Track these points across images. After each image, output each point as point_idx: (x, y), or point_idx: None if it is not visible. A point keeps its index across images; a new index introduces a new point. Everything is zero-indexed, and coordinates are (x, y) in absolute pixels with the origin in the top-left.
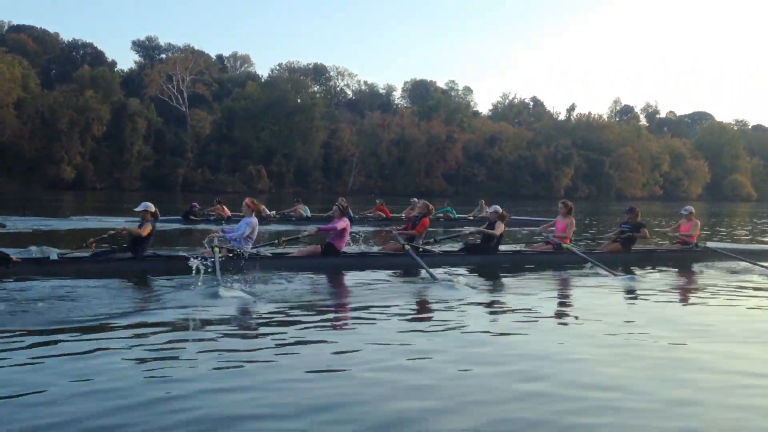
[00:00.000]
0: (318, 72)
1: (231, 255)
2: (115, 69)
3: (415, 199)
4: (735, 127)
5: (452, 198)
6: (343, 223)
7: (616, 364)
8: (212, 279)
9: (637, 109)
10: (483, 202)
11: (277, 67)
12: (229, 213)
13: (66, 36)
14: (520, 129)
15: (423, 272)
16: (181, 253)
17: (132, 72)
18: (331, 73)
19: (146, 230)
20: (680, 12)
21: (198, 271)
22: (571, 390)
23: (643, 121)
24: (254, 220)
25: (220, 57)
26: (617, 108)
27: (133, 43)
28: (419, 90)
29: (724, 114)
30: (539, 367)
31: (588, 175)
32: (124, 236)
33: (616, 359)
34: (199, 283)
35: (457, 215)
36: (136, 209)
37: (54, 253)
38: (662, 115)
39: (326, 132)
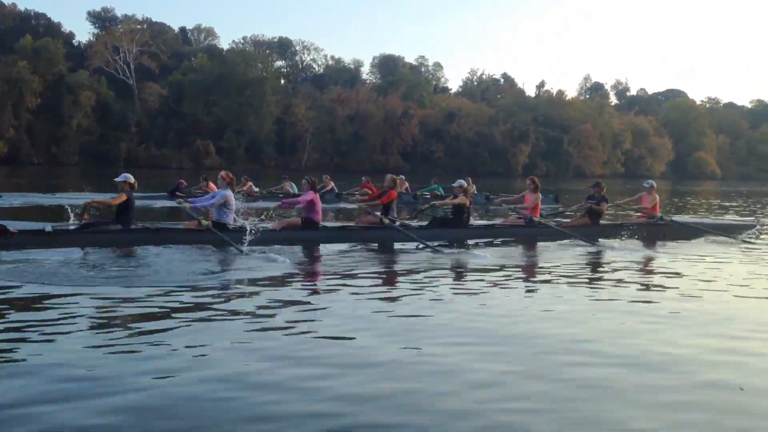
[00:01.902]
0: (283, 46)
1: (215, 227)
2: (73, 41)
3: (402, 176)
4: (707, 105)
5: (409, 175)
6: (309, 195)
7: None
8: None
9: (607, 86)
10: (470, 179)
11: (241, 41)
12: (216, 189)
13: (26, 6)
14: (481, 105)
15: (410, 242)
16: (168, 225)
17: (86, 44)
18: (297, 48)
19: (118, 199)
20: (680, 10)
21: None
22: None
23: (613, 98)
24: (228, 192)
25: (183, 29)
26: (587, 85)
27: (88, 14)
28: (387, 65)
29: (698, 93)
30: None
31: (546, 152)
32: (96, 207)
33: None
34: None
35: (444, 193)
36: (116, 179)
37: (48, 226)
38: (633, 92)
39: (279, 107)
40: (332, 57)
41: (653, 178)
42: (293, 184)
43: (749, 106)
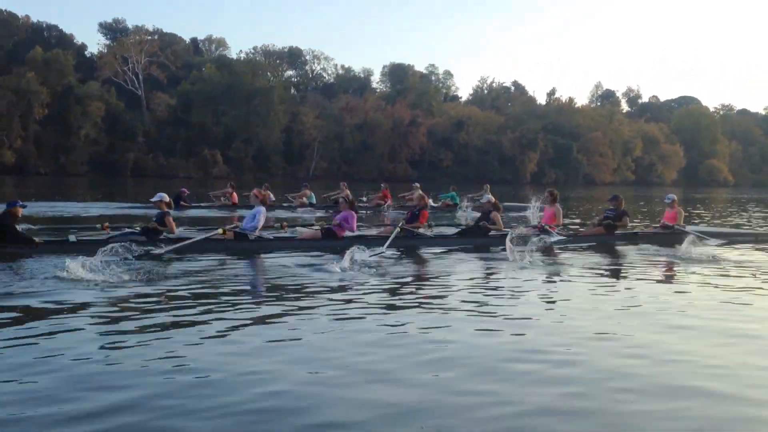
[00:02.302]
0: (293, 55)
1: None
2: (85, 52)
3: (417, 184)
4: (720, 112)
5: (417, 183)
6: (351, 216)
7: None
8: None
9: (619, 94)
10: (488, 186)
11: (251, 51)
12: (236, 200)
13: (39, 18)
14: (490, 113)
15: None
16: (191, 236)
17: (96, 55)
18: (307, 57)
19: (172, 224)
20: (681, 11)
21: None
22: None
23: (624, 105)
24: (263, 208)
25: (194, 40)
26: (598, 92)
27: (100, 25)
28: (397, 74)
29: (711, 99)
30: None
31: (555, 160)
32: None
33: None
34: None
35: (458, 202)
36: (152, 200)
37: (73, 236)
38: (645, 99)
39: (287, 116)
40: (342, 66)
41: (664, 186)
42: (312, 194)
43: (763, 112)
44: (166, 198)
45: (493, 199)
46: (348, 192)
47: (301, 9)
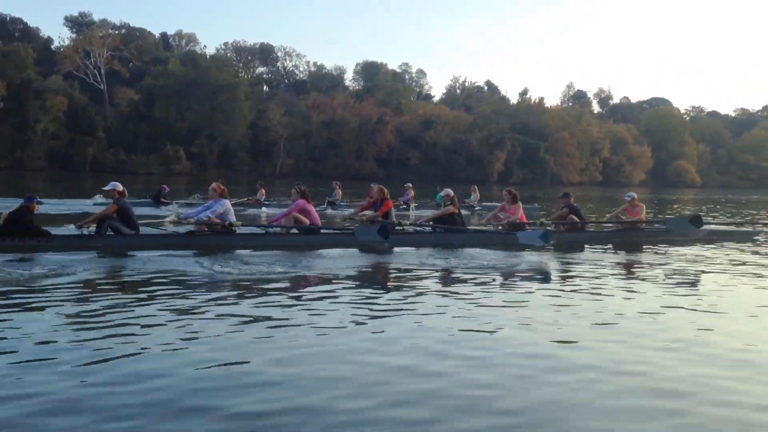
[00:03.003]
0: (265, 52)
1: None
2: (52, 46)
3: (409, 184)
4: (691, 113)
5: (384, 182)
6: (299, 205)
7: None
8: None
9: (590, 95)
10: (475, 187)
11: (222, 46)
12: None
13: (4, 11)
14: (460, 112)
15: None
16: (170, 229)
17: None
18: (278, 54)
19: (110, 210)
20: (680, 11)
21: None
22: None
23: (595, 106)
24: (225, 200)
25: (164, 35)
26: (570, 93)
27: (66, 18)
28: (370, 72)
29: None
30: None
31: (523, 160)
32: (91, 223)
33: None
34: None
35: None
36: (104, 188)
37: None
38: (616, 100)
39: (254, 113)
40: (315, 63)
41: (632, 187)
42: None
43: (733, 114)
44: (119, 187)
45: (451, 194)
46: (340, 192)
47: (275, 5)
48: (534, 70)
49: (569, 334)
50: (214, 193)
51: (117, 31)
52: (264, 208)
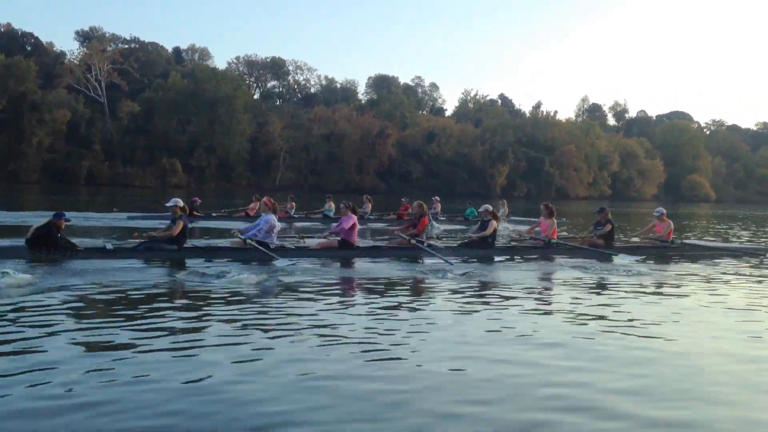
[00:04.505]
0: (276, 66)
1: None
2: (65, 60)
3: (436, 197)
4: (712, 127)
5: (386, 195)
6: (350, 220)
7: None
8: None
9: (605, 108)
10: (505, 201)
11: (234, 60)
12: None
13: (17, 25)
14: (467, 125)
15: (435, 260)
16: (218, 244)
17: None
18: (290, 67)
19: (177, 229)
20: (690, 18)
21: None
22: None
23: (611, 120)
24: (272, 216)
25: (176, 49)
26: (585, 106)
27: (76, 33)
28: (382, 85)
29: (702, 114)
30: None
31: (527, 173)
32: (154, 238)
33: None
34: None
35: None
36: (166, 204)
37: (109, 244)
38: (633, 114)
39: (253, 125)
40: (326, 77)
41: (642, 201)
42: (333, 204)
43: (754, 128)
44: (180, 203)
45: (491, 209)
46: (370, 205)
47: (288, 20)
48: (551, 84)
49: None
50: (265, 208)
51: (127, 46)
52: (297, 223)
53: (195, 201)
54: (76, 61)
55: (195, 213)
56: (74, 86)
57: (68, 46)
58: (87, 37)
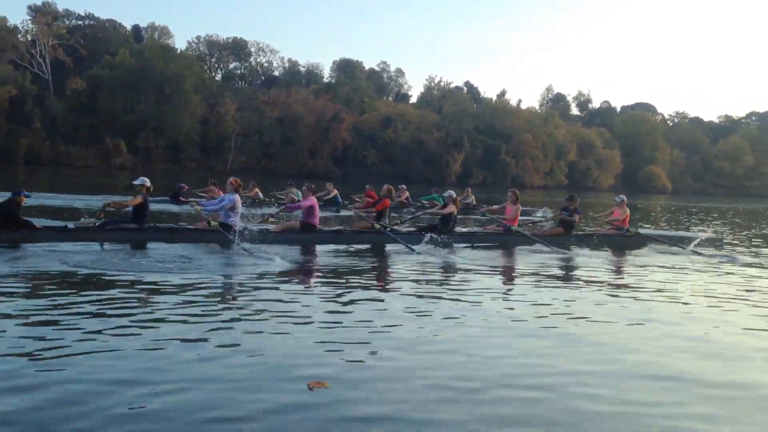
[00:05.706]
0: (238, 47)
1: (222, 227)
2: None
3: (404, 186)
4: (674, 119)
5: (342, 181)
6: (309, 201)
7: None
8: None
9: (569, 98)
10: (469, 190)
11: (195, 40)
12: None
13: None
14: (427, 111)
15: (397, 245)
16: (181, 225)
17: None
18: (251, 49)
19: (135, 201)
20: (660, 11)
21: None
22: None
23: (574, 110)
24: (236, 196)
25: (136, 27)
26: (549, 96)
27: (29, 8)
28: (347, 69)
29: (667, 106)
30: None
31: (483, 161)
32: (114, 207)
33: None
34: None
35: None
36: (134, 182)
37: (71, 223)
38: (596, 104)
39: (205, 106)
40: (289, 60)
41: (599, 191)
42: (298, 191)
43: (717, 120)
44: (147, 183)
45: (453, 195)
46: (336, 192)
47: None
48: (519, 74)
49: None
50: (230, 187)
51: (81, 22)
52: (266, 208)
53: (182, 187)
54: (20, 37)
55: (181, 199)
56: (18, 62)
57: (23, 20)
58: (39, 12)
